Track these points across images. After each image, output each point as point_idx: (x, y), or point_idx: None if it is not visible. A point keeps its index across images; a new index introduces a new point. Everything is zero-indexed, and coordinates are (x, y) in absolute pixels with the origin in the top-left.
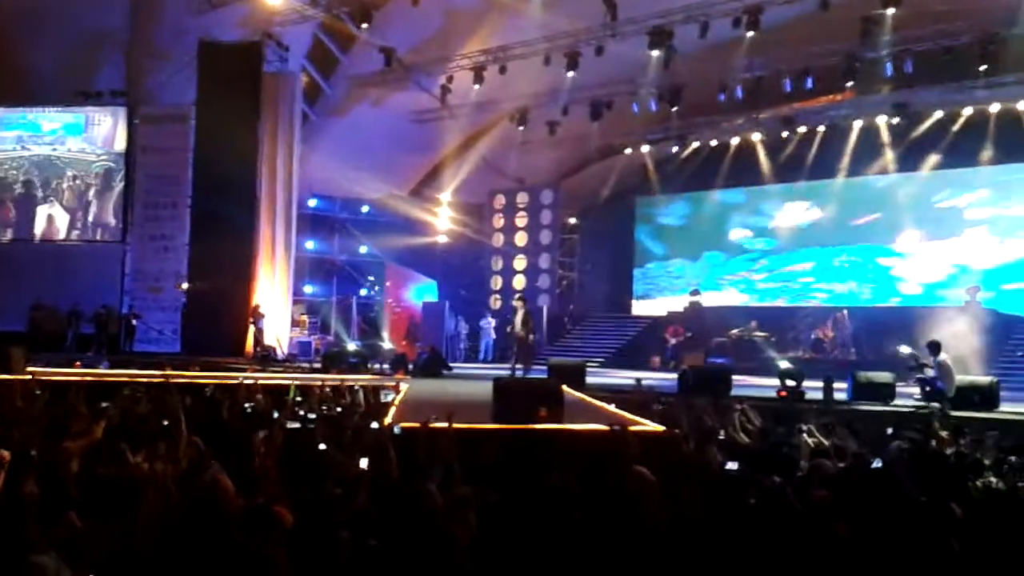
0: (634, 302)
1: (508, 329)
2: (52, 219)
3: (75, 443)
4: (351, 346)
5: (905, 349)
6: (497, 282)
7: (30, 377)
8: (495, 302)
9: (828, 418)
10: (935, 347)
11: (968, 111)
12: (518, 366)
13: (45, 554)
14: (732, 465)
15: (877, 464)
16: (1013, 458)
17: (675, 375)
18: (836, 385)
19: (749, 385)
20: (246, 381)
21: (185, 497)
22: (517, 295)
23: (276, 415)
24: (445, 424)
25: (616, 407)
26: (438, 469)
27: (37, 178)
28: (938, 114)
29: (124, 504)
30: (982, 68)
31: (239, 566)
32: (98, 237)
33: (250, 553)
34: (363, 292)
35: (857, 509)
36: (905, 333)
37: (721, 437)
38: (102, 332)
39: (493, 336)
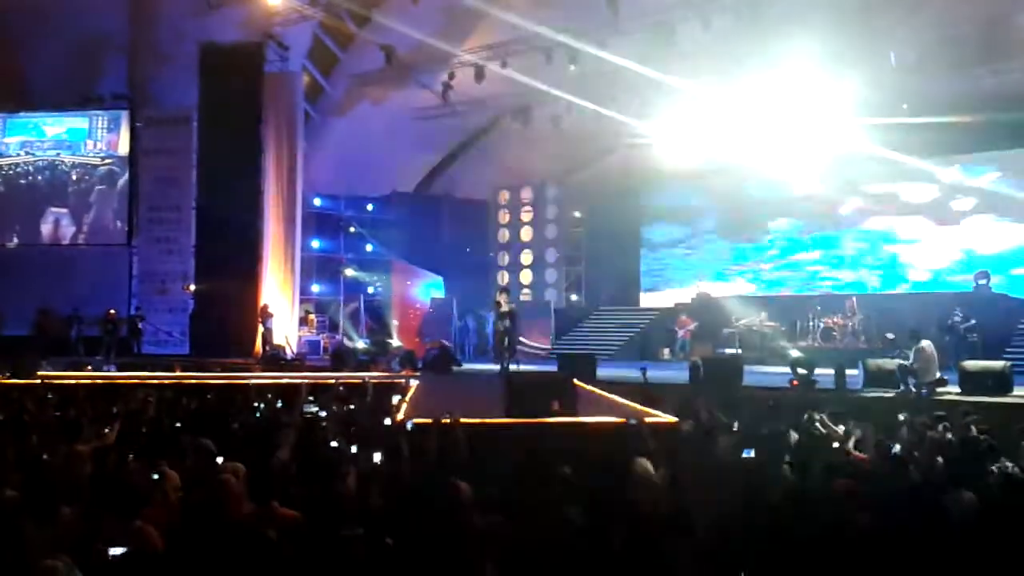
0: (642, 294)
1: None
2: (58, 223)
3: (87, 446)
4: (360, 344)
5: (890, 335)
6: (504, 277)
7: (39, 382)
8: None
9: (840, 406)
10: (914, 335)
11: (973, 97)
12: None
13: (57, 559)
14: (749, 453)
15: (896, 449)
16: None
17: (685, 366)
18: (847, 373)
19: (760, 374)
20: (255, 381)
21: (192, 500)
22: (499, 289)
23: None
24: (454, 420)
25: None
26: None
27: (42, 183)
28: (943, 101)
29: (134, 506)
30: (987, 55)
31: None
32: (103, 240)
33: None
34: (371, 290)
35: (880, 501)
36: (914, 319)
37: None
38: (111, 335)
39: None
